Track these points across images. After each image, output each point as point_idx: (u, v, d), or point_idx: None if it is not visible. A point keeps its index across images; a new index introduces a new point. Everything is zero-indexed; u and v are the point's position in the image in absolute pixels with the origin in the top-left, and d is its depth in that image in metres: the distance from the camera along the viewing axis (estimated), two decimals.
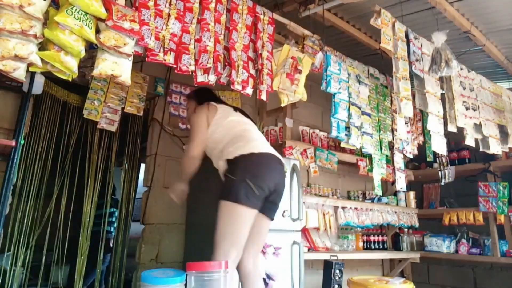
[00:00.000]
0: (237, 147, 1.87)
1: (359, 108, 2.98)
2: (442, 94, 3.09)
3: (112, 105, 2.78)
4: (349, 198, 4.10)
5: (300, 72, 2.63)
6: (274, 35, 2.56)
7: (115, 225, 3.89)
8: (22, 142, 2.21)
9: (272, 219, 1.97)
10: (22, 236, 2.69)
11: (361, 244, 3.87)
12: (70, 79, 1.70)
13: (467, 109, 3.20)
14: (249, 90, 2.32)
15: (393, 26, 2.70)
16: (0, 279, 2.52)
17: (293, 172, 2.70)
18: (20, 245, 2.67)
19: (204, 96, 2.30)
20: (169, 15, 1.97)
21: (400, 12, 2.85)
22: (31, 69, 1.56)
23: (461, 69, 3.27)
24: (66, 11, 1.48)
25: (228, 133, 1.98)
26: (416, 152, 3.67)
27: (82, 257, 2.99)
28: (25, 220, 2.73)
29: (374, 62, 3.60)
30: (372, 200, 3.96)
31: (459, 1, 2.88)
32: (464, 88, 3.25)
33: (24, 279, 2.93)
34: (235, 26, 2.29)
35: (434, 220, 4.38)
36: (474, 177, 4.09)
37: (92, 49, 1.96)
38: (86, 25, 1.53)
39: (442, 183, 4.05)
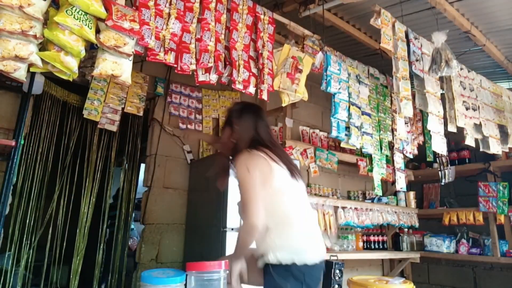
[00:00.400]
0: (289, 251, 1.54)
1: (359, 108, 2.98)
2: (442, 94, 3.09)
3: (112, 105, 2.79)
4: (349, 198, 4.10)
5: (300, 71, 2.63)
6: (274, 35, 2.57)
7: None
8: (22, 142, 2.21)
9: None
10: (24, 236, 2.69)
11: (361, 244, 3.87)
12: (70, 79, 1.70)
13: (467, 109, 3.20)
14: (251, 89, 2.32)
15: (393, 26, 2.70)
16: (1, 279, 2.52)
17: None
18: (23, 244, 2.67)
19: (260, 133, 1.70)
20: (169, 14, 1.97)
21: (400, 12, 2.85)
22: (31, 69, 1.56)
23: (461, 69, 3.27)
24: (66, 11, 1.48)
25: (276, 212, 1.57)
26: (416, 152, 3.67)
27: (78, 257, 2.98)
28: (26, 220, 2.73)
29: (374, 62, 3.61)
30: (372, 200, 3.96)
31: (459, 1, 2.88)
32: (464, 88, 3.25)
33: (25, 279, 2.92)
34: (236, 25, 2.29)
35: (434, 220, 4.38)
36: (474, 177, 4.09)
37: (92, 49, 1.97)
38: (86, 25, 1.53)
39: (442, 183, 4.04)
